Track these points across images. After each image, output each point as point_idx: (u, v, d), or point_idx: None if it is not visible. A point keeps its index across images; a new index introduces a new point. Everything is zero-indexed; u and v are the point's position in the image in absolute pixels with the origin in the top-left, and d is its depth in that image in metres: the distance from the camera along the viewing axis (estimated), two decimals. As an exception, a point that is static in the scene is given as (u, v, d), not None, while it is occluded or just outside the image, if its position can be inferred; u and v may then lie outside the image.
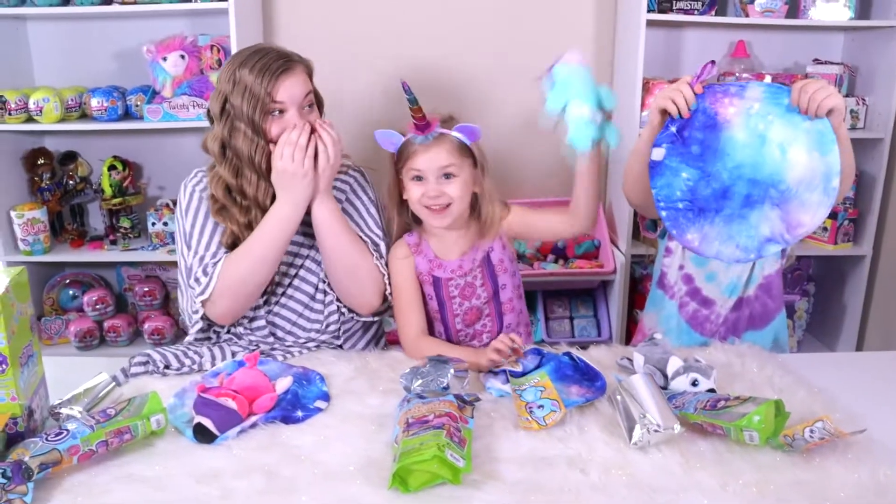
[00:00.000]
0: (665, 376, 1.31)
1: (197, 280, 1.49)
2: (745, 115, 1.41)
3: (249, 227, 1.51)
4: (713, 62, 1.46)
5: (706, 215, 1.42)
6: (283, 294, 1.61)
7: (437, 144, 1.49)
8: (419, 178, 1.51)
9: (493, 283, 1.60)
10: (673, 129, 1.43)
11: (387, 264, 1.57)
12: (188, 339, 1.58)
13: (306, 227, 1.53)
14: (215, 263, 1.49)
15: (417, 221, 1.60)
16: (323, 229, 1.51)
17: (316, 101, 1.57)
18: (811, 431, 1.07)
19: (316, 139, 1.46)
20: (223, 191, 1.52)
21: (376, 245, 1.58)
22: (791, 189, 1.39)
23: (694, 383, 1.27)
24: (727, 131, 1.41)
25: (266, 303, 1.59)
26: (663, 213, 1.43)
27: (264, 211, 1.50)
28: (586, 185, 1.49)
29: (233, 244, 1.52)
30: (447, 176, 1.50)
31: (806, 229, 1.39)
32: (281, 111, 1.48)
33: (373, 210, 1.66)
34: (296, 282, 1.61)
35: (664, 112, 1.45)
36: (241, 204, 1.52)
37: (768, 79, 2.53)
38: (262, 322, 1.59)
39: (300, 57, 1.54)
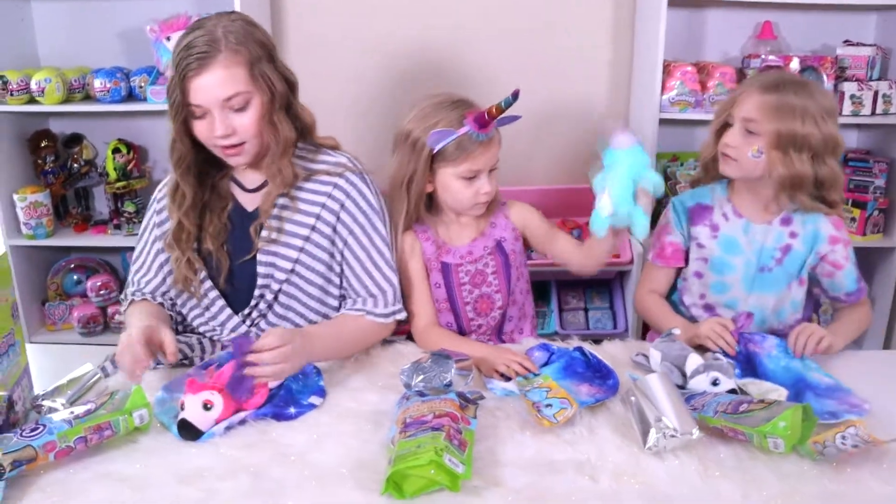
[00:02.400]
0: (683, 374, 1.23)
1: (125, 296, 1.49)
2: (767, 357, 1.38)
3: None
4: (750, 314, 1.46)
5: None
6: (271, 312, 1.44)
7: (490, 141, 1.46)
8: (472, 177, 1.46)
9: (507, 273, 1.55)
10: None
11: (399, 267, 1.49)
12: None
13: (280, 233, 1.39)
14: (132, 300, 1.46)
15: (427, 210, 1.54)
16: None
17: (270, 91, 1.33)
18: (843, 438, 0.99)
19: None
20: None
21: (392, 294, 1.43)
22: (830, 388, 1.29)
23: (714, 383, 1.20)
24: (761, 367, 1.36)
25: (253, 325, 1.44)
26: None
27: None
28: (597, 250, 1.45)
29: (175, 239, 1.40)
30: (491, 170, 1.49)
31: (868, 404, 1.23)
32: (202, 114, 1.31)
33: (383, 239, 1.44)
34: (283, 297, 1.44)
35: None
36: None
37: (796, 62, 2.42)
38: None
39: (229, 42, 1.28)
